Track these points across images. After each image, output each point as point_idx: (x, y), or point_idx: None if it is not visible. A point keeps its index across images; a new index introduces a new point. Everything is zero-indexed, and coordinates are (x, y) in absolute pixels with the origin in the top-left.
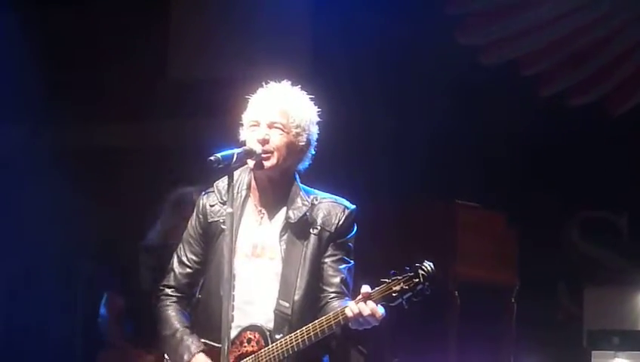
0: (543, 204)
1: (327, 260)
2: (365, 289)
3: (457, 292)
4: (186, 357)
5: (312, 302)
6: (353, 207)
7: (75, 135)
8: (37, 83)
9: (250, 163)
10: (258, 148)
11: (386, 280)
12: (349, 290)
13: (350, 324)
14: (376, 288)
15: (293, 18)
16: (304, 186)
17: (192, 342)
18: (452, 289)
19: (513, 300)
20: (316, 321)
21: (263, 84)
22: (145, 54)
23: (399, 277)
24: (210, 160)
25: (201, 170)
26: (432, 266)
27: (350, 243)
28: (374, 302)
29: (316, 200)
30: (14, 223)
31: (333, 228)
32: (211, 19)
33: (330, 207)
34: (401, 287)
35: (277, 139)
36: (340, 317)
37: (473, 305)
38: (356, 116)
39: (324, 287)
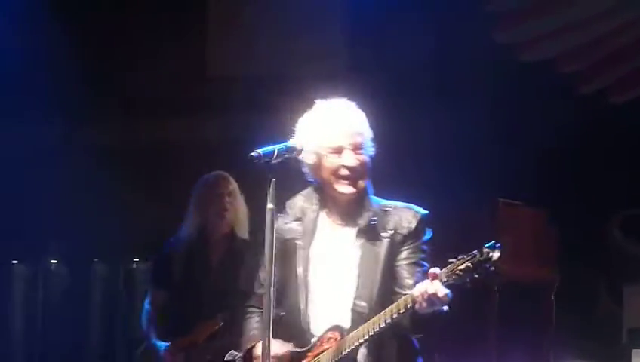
0: (584, 202)
1: (401, 263)
2: (433, 270)
3: (497, 289)
4: (250, 343)
5: (386, 304)
6: (425, 211)
7: (117, 133)
8: (79, 82)
9: (345, 189)
10: (298, 144)
11: (453, 260)
12: None
13: (417, 307)
14: (443, 269)
15: (329, 16)
16: (374, 197)
17: (279, 342)
18: (493, 286)
19: (553, 297)
20: (388, 309)
21: (315, 101)
22: (183, 52)
23: (465, 256)
24: (252, 155)
25: (243, 165)
26: (495, 246)
27: (425, 246)
28: (441, 282)
29: (387, 206)
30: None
31: (406, 230)
32: (249, 16)
33: (401, 213)
34: (466, 266)
35: (364, 160)
36: (409, 300)
37: (513, 302)
38: (393, 116)
39: (398, 289)
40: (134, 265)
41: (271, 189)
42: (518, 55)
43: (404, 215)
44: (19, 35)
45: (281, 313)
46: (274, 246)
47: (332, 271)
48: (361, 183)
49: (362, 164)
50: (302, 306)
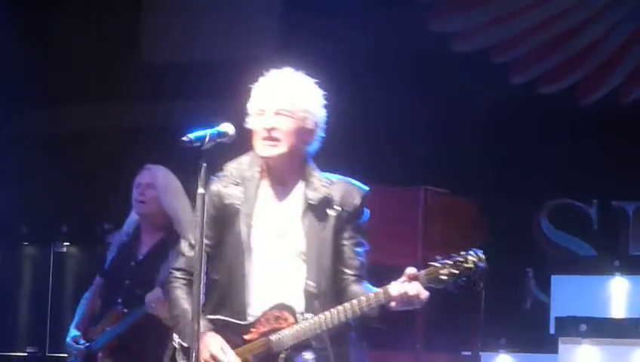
0: (513, 191)
1: (345, 242)
2: (411, 270)
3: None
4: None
5: (336, 283)
6: (367, 188)
7: (49, 118)
8: (12, 67)
9: (262, 151)
10: (231, 130)
11: (434, 263)
12: (365, 273)
13: (393, 304)
14: (423, 271)
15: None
16: (314, 170)
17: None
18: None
19: (481, 286)
20: (357, 300)
21: (263, 72)
22: (118, 37)
23: (449, 262)
24: (183, 140)
25: (174, 150)
26: (482, 254)
27: (364, 226)
28: (421, 282)
29: (331, 181)
30: None
31: (352, 208)
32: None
33: (346, 188)
34: (450, 271)
35: (285, 126)
36: (382, 297)
37: (440, 292)
38: (328, 98)
39: (344, 269)
40: (64, 249)
41: (202, 174)
42: (451, 45)
43: (350, 191)
44: None
45: (215, 276)
46: (203, 229)
47: (276, 245)
48: (283, 147)
49: (286, 127)
50: (244, 270)
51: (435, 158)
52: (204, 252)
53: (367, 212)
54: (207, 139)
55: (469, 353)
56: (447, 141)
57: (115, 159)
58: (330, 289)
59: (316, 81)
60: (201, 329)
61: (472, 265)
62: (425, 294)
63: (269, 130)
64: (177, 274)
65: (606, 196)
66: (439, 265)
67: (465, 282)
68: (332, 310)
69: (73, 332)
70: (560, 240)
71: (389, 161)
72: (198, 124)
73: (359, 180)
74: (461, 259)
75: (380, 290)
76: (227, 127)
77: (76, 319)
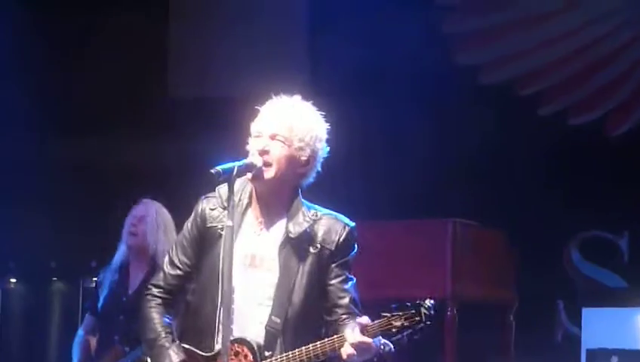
0: (543, 224)
1: (332, 281)
2: (364, 320)
3: (456, 310)
4: None
5: (308, 322)
6: (353, 224)
7: (75, 150)
8: (42, 98)
9: (249, 174)
10: (259, 162)
11: (387, 314)
12: (358, 307)
13: (350, 352)
14: (376, 321)
15: (292, 38)
16: (306, 202)
17: (173, 351)
18: (451, 307)
19: (512, 318)
20: (311, 345)
21: (272, 96)
22: (145, 72)
23: (400, 313)
24: (211, 172)
25: (203, 183)
26: (433, 304)
27: (351, 261)
28: (374, 334)
29: (316, 216)
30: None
31: (334, 246)
32: (211, 38)
33: (330, 224)
34: (402, 324)
35: (277, 151)
36: (336, 344)
37: (472, 323)
38: (356, 133)
39: (335, 309)
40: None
41: (230, 207)
42: (477, 77)
43: (333, 227)
44: None
45: (189, 298)
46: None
47: (251, 276)
48: (270, 173)
49: (278, 152)
50: (217, 298)
51: (465, 191)
52: (185, 272)
53: (354, 247)
54: (235, 171)
55: None
56: (476, 174)
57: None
58: (301, 328)
59: (333, 112)
60: (175, 358)
61: (422, 318)
62: (375, 347)
63: (261, 153)
64: (155, 291)
65: (636, 227)
66: (391, 316)
67: (417, 336)
68: (290, 353)
69: None
70: (590, 272)
71: (418, 193)
72: (224, 157)
73: (386, 214)
74: (413, 311)
75: (334, 337)
76: (255, 159)
77: (77, 357)
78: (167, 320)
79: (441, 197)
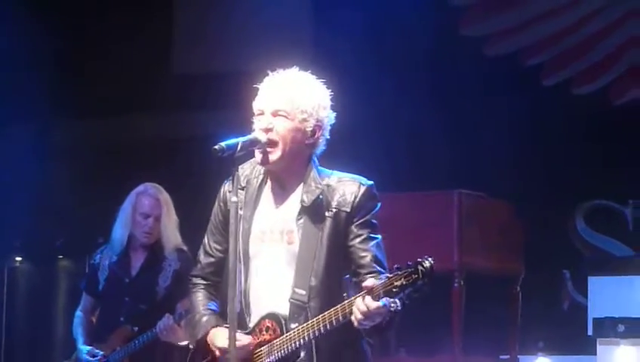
0: (547, 194)
1: (352, 243)
2: (369, 283)
3: (463, 282)
4: (200, 334)
5: (332, 288)
6: (370, 182)
7: (84, 129)
8: (48, 81)
9: (257, 158)
10: (263, 137)
11: (388, 274)
12: (383, 265)
13: (359, 318)
14: (379, 282)
15: (295, 10)
16: (322, 168)
17: (207, 321)
18: (457, 278)
19: (518, 289)
20: (326, 312)
21: (269, 72)
22: (148, 48)
23: (400, 273)
24: (215, 148)
25: (207, 159)
26: (432, 262)
27: (374, 220)
28: (378, 296)
29: (332, 180)
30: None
31: (349, 207)
32: (214, 13)
33: (345, 186)
34: (402, 283)
35: (281, 127)
36: (347, 310)
37: (478, 294)
38: (358, 106)
39: (358, 270)
40: None
41: (235, 182)
42: (482, 48)
43: (349, 189)
44: None
45: (222, 280)
46: (236, 236)
47: (272, 250)
48: (277, 154)
49: (283, 128)
50: (241, 276)
51: (470, 162)
52: (218, 258)
53: (374, 205)
54: (239, 147)
55: (508, 356)
56: (481, 144)
57: (149, 170)
58: (325, 295)
59: (335, 83)
60: (208, 326)
61: (420, 275)
62: (383, 309)
63: (265, 131)
64: (195, 280)
65: None
66: (392, 276)
67: (416, 294)
68: (310, 322)
69: (85, 348)
70: (596, 240)
71: (423, 166)
72: (229, 133)
73: (392, 186)
74: (411, 270)
75: (345, 303)
76: (259, 135)
77: (81, 337)
78: (211, 303)
79: (446, 169)
